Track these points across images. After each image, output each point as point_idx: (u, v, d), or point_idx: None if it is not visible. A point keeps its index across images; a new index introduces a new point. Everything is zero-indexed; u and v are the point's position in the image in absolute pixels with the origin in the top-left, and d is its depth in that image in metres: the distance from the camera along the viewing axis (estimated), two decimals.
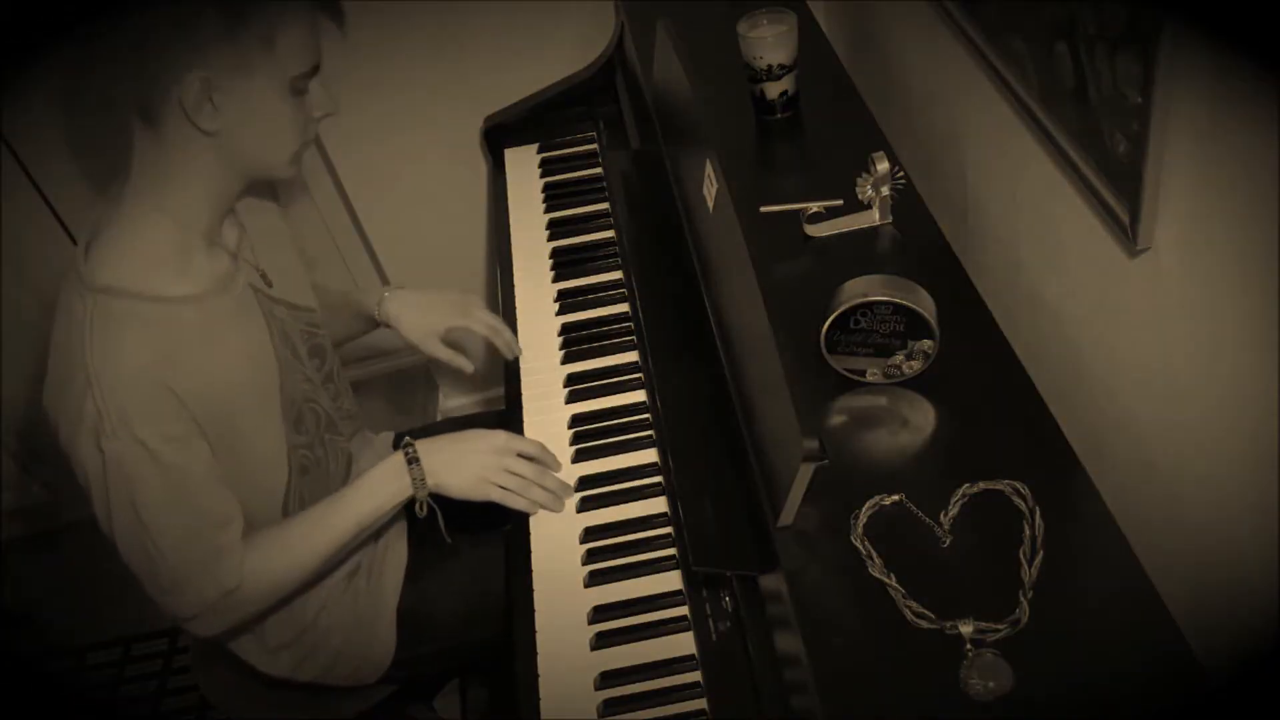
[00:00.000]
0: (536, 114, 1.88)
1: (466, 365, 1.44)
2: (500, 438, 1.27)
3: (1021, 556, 0.93)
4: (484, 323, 1.46)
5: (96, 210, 1.11)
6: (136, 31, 0.97)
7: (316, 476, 1.27)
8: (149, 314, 1.06)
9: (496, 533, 1.37)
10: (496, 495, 1.24)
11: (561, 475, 1.30)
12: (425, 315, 1.46)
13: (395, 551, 1.42)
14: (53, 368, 1.08)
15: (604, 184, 1.72)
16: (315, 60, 1.07)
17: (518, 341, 1.48)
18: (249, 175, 1.12)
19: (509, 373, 1.47)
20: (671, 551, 1.21)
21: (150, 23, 0.96)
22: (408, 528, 1.47)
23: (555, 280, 1.59)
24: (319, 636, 1.31)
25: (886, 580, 0.93)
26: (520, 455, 1.26)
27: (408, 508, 1.26)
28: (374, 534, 1.40)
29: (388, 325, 1.47)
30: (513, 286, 1.60)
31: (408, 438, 1.26)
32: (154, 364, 1.04)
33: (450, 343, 1.47)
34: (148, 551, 1.08)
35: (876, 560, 0.94)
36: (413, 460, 1.23)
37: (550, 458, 1.30)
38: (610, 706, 1.09)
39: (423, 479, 1.22)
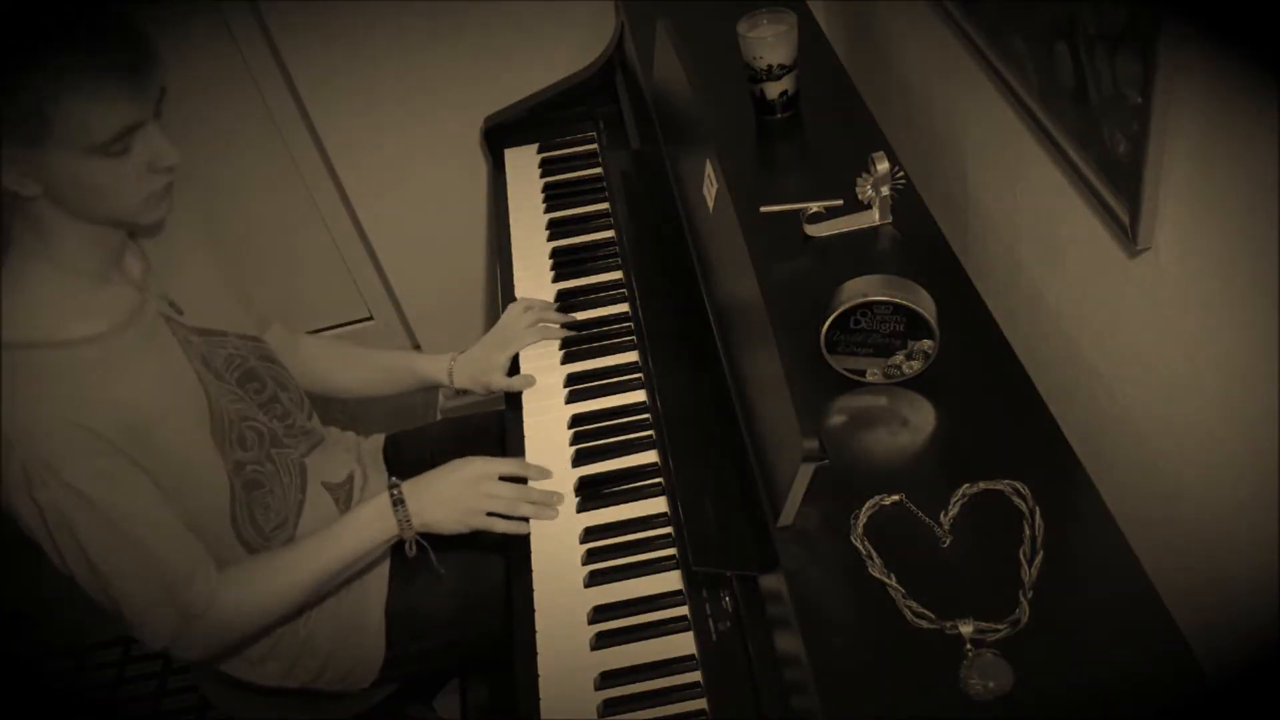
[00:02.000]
0: (536, 114, 1.88)
1: (532, 381, 1.45)
2: (477, 465, 1.26)
3: (1021, 556, 0.93)
4: (531, 336, 1.48)
5: None
6: None
7: (272, 490, 1.27)
8: (55, 361, 1.04)
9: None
10: (482, 523, 1.25)
11: (551, 482, 1.30)
12: (486, 363, 1.47)
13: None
14: None
15: (604, 184, 1.72)
16: (120, 126, 0.97)
17: (557, 322, 1.50)
18: (103, 224, 1.08)
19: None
20: (671, 551, 1.21)
21: None
22: None
23: (555, 280, 1.59)
24: (300, 643, 1.32)
25: (886, 580, 0.92)
26: (501, 477, 1.26)
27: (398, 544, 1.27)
28: None
29: (463, 392, 1.50)
30: (513, 286, 1.60)
31: (394, 478, 1.26)
32: (67, 408, 1.03)
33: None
34: (107, 591, 1.09)
35: (876, 560, 0.94)
36: (398, 502, 1.23)
37: (533, 470, 1.30)
38: (610, 706, 1.09)
39: (408, 520, 1.23)
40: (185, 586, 1.13)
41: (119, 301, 1.12)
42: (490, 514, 1.25)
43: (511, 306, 1.52)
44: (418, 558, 1.29)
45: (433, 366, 1.50)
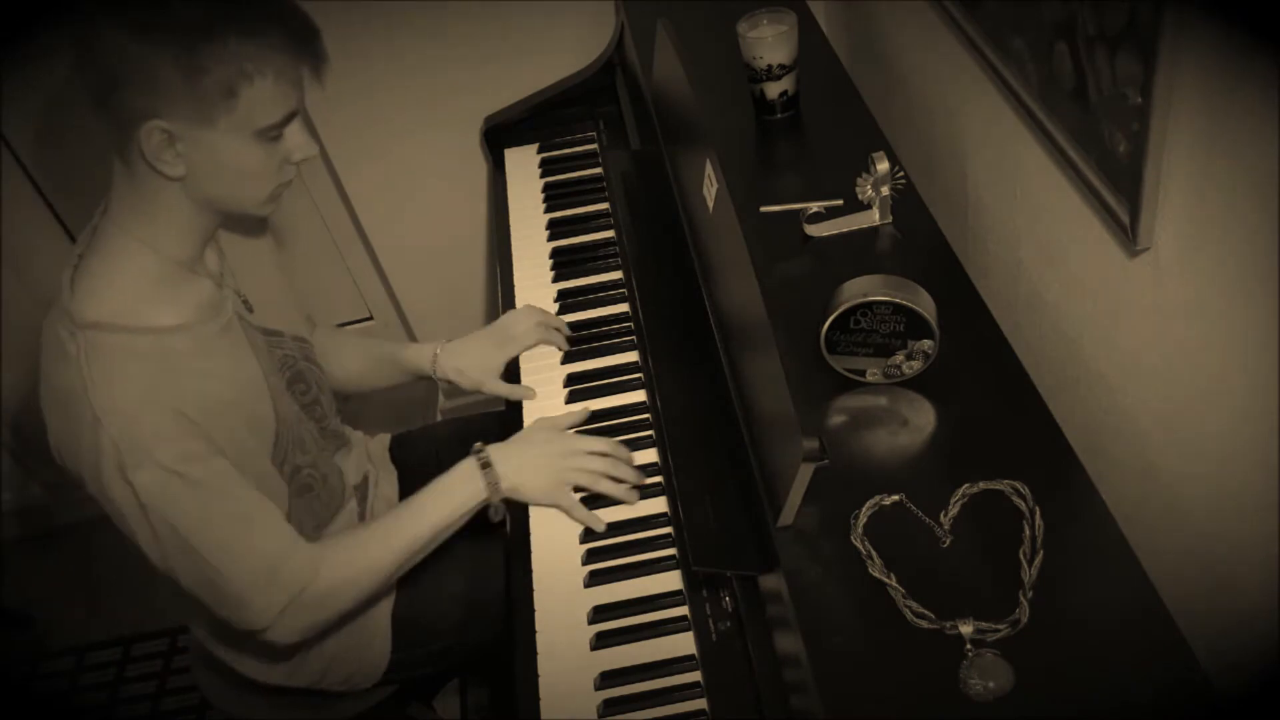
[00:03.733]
0: (536, 114, 1.88)
1: (530, 394, 1.43)
2: (569, 440, 1.25)
3: (1021, 556, 0.93)
4: (532, 338, 1.47)
5: (80, 240, 1.10)
6: (99, 70, 0.95)
7: (319, 494, 1.27)
8: (141, 345, 1.04)
9: (492, 535, 1.37)
10: (568, 502, 1.24)
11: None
12: (478, 361, 1.46)
13: None
14: (54, 416, 1.06)
15: (604, 184, 1.72)
16: (288, 110, 1.02)
17: (564, 330, 1.49)
18: (222, 213, 1.10)
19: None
20: (671, 551, 1.21)
21: (111, 63, 0.94)
22: None
23: (555, 280, 1.59)
24: (311, 643, 1.31)
25: (886, 580, 0.92)
26: (591, 453, 1.25)
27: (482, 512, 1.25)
28: None
29: (446, 382, 1.48)
30: (513, 286, 1.60)
31: (479, 443, 1.25)
32: (158, 389, 1.03)
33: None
34: (205, 574, 1.08)
35: (876, 560, 0.94)
36: (485, 465, 1.22)
37: (623, 451, 1.28)
38: (610, 706, 1.09)
39: (496, 483, 1.22)
40: (286, 563, 1.12)
41: (201, 294, 1.12)
42: (575, 490, 1.24)
43: (518, 310, 1.50)
44: (424, 563, 1.28)
45: (416, 355, 1.48)
